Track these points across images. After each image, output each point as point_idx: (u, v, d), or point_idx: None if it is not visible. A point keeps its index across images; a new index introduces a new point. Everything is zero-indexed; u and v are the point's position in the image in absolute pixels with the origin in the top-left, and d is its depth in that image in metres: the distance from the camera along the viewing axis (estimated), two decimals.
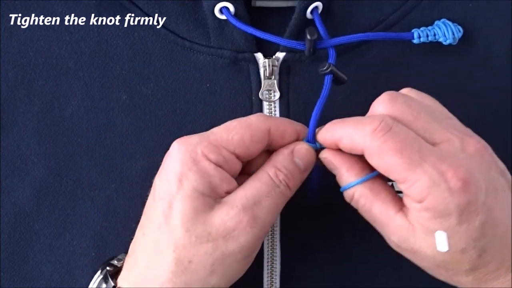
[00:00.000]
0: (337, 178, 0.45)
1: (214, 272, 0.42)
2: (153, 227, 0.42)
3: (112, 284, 0.44)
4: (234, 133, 0.43)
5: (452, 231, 0.41)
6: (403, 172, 0.40)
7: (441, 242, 0.41)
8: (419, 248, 0.42)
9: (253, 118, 0.44)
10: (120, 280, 0.44)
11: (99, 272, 0.45)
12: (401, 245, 0.43)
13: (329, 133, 0.44)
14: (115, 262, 0.46)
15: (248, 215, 0.41)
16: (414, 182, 0.40)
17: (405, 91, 0.45)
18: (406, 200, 0.42)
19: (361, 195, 0.44)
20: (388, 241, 0.45)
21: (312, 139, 0.45)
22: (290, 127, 0.45)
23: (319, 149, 0.45)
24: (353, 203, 0.45)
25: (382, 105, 0.43)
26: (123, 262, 0.45)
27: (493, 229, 0.41)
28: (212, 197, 0.42)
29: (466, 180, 0.40)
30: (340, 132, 0.43)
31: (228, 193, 0.43)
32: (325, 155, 0.45)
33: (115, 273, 0.45)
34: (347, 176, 0.44)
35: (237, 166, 0.43)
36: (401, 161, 0.40)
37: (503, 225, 0.41)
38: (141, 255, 0.43)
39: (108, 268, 0.45)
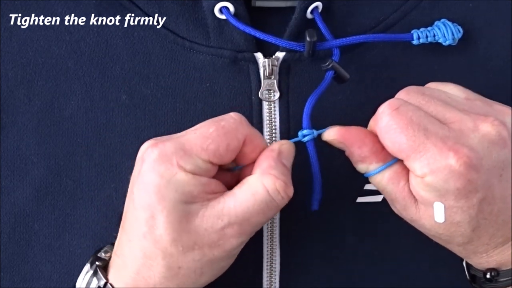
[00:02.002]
0: (350, 156, 0.45)
1: (204, 274, 0.42)
2: (138, 235, 0.42)
3: (104, 280, 0.44)
4: (210, 141, 0.42)
5: (449, 206, 0.42)
6: (407, 149, 0.41)
7: (439, 214, 0.42)
8: (418, 218, 0.43)
9: (231, 124, 0.43)
10: (112, 278, 0.44)
11: (88, 266, 0.45)
12: (402, 213, 0.45)
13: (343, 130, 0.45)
14: (102, 254, 0.46)
15: (234, 229, 0.41)
16: (416, 159, 0.41)
17: (429, 84, 0.46)
18: (410, 173, 0.43)
19: (376, 167, 0.44)
20: (392, 207, 0.45)
21: (308, 126, 0.45)
22: (261, 141, 0.44)
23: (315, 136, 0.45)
24: (369, 178, 0.45)
25: (398, 95, 0.44)
26: (111, 254, 0.45)
27: (490, 206, 0.42)
28: (197, 203, 0.42)
29: (467, 161, 0.40)
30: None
31: (214, 192, 0.42)
32: (333, 136, 0.45)
33: (104, 266, 0.45)
34: (359, 153, 0.44)
35: (213, 170, 0.43)
36: (406, 138, 0.41)
37: (500, 202, 0.42)
38: (130, 260, 0.43)
39: (97, 263, 0.45)
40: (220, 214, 0.41)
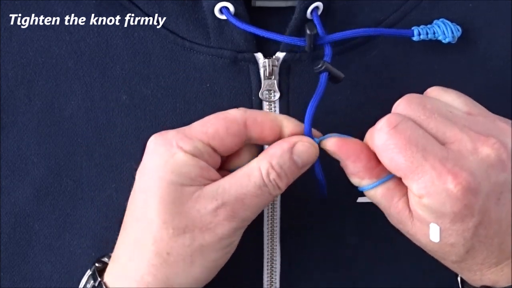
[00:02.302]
0: (344, 168, 0.45)
1: (194, 263, 0.42)
2: (133, 220, 0.43)
3: (99, 279, 0.44)
4: (209, 125, 0.43)
5: (444, 228, 0.41)
6: (405, 170, 0.41)
7: (434, 234, 0.42)
8: (414, 233, 0.43)
9: (230, 111, 0.44)
10: (105, 274, 0.44)
11: (89, 270, 0.46)
12: (397, 226, 0.45)
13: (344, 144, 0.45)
14: (105, 259, 0.46)
15: (226, 211, 0.41)
16: (414, 180, 0.41)
17: (432, 89, 0.46)
18: (408, 191, 0.43)
19: (370, 182, 0.44)
20: (388, 218, 0.45)
21: (308, 133, 0.45)
22: (269, 120, 0.44)
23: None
24: (361, 188, 0.45)
25: (399, 106, 0.43)
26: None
27: (486, 229, 0.41)
28: (194, 185, 0.42)
29: (465, 185, 0.40)
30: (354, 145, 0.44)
31: (212, 180, 0.42)
32: (330, 147, 0.45)
33: (104, 269, 0.45)
34: (352, 167, 0.44)
35: (215, 159, 0.43)
36: (404, 159, 0.41)
37: (496, 225, 0.42)
38: (122, 249, 0.43)
39: (97, 264, 0.45)
40: (215, 194, 0.41)
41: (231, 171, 0.44)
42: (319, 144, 0.45)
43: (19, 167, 0.49)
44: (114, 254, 0.44)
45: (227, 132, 0.43)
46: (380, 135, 0.42)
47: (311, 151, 0.44)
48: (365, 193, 0.45)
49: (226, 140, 0.43)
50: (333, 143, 0.44)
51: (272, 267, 0.50)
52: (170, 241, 0.41)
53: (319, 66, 0.45)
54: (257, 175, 0.42)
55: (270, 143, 0.44)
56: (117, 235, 0.48)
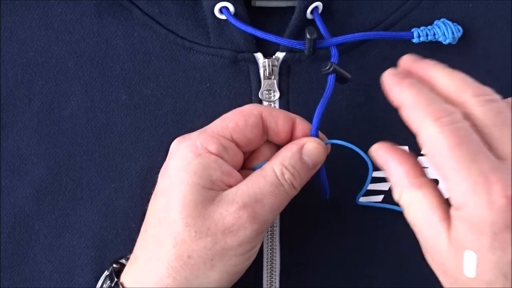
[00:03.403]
0: (389, 178, 0.42)
1: (214, 267, 0.41)
2: (154, 222, 0.42)
3: (115, 279, 0.44)
4: (228, 120, 0.43)
5: (482, 256, 0.36)
6: (450, 169, 0.37)
7: (469, 265, 0.36)
8: (447, 265, 0.38)
9: (245, 106, 0.44)
10: (122, 275, 0.44)
11: (106, 271, 0.46)
12: (433, 257, 0.40)
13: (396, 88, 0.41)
14: (123, 260, 0.46)
15: (247, 212, 0.41)
16: (457, 183, 0.37)
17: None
18: (451, 208, 0.38)
19: (409, 192, 0.40)
20: (423, 250, 0.41)
21: (315, 134, 0.45)
22: (282, 113, 0.45)
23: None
24: (400, 202, 0.41)
25: (465, 93, 0.40)
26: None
27: None
28: (214, 190, 0.42)
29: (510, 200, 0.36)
30: (405, 96, 0.40)
31: (231, 186, 0.43)
32: (376, 151, 0.42)
33: (121, 270, 0.45)
34: (401, 177, 0.40)
35: (239, 156, 0.44)
36: (451, 156, 0.37)
37: None
38: (141, 250, 0.43)
39: (114, 265, 0.45)
40: (234, 197, 0.42)
41: (252, 169, 0.45)
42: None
43: (19, 167, 0.49)
44: (133, 255, 0.44)
45: (246, 124, 0.43)
46: (435, 126, 0.37)
47: (320, 151, 0.44)
48: (404, 205, 0.40)
49: (247, 131, 0.43)
50: (378, 148, 0.42)
51: (272, 267, 0.50)
52: (192, 243, 0.41)
53: (327, 67, 0.45)
54: (273, 175, 0.43)
55: (283, 141, 0.45)
56: (117, 235, 0.48)
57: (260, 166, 0.44)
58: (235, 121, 0.43)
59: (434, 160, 0.38)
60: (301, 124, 0.45)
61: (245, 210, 0.41)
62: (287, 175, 0.43)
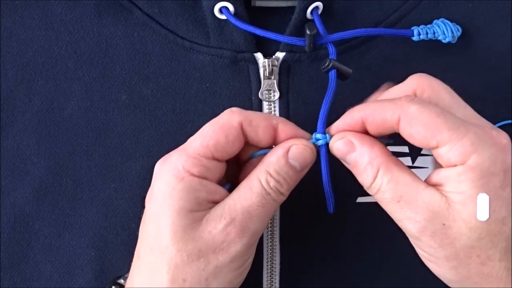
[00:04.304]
0: (358, 161, 0.43)
1: (210, 286, 0.41)
2: (146, 249, 0.42)
3: None
4: (208, 138, 0.42)
5: (495, 195, 0.39)
6: (446, 131, 0.39)
7: (483, 209, 0.38)
8: (452, 223, 0.39)
9: (224, 117, 0.43)
10: None
11: None
12: (427, 225, 0.40)
13: (348, 117, 0.43)
14: (121, 281, 0.46)
15: (236, 227, 0.41)
16: (459, 140, 0.39)
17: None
18: (440, 172, 0.40)
19: (387, 169, 0.41)
20: (408, 227, 0.41)
21: (322, 131, 0.44)
22: (264, 122, 0.43)
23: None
24: (377, 180, 0.42)
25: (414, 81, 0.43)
26: None
27: None
28: (201, 211, 0.42)
29: (509, 143, 0.40)
30: (365, 111, 0.42)
31: (218, 202, 0.42)
32: (339, 141, 0.43)
33: None
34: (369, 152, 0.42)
35: (221, 169, 0.43)
36: (443, 121, 0.39)
37: None
38: (137, 277, 0.43)
39: (113, 287, 0.46)
40: (222, 212, 0.41)
41: (251, 157, 0.45)
42: (329, 146, 0.44)
43: (19, 167, 0.49)
44: (129, 280, 0.44)
45: (227, 140, 0.42)
46: (413, 104, 0.40)
47: (307, 153, 0.43)
48: (382, 183, 0.41)
49: (228, 147, 0.43)
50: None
51: (272, 267, 0.50)
52: (185, 267, 0.41)
53: (326, 64, 0.45)
54: (258, 185, 0.42)
55: (265, 146, 0.44)
56: (117, 235, 0.48)
57: (259, 154, 0.44)
58: (215, 139, 0.42)
59: (426, 133, 0.40)
60: (284, 129, 0.44)
61: (233, 225, 0.41)
62: (272, 183, 0.42)
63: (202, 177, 0.42)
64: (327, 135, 0.44)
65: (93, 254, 0.49)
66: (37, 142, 0.49)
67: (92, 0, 0.50)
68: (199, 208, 0.41)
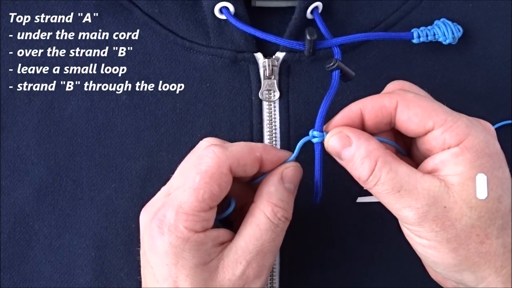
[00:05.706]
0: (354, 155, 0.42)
1: None
2: None
3: None
4: (202, 192, 0.40)
5: (491, 175, 0.40)
6: (442, 113, 0.41)
7: (481, 188, 0.40)
8: (452, 205, 0.40)
9: (210, 163, 0.41)
10: None
11: None
12: (429, 210, 0.40)
13: (347, 109, 0.43)
14: None
15: (253, 269, 0.41)
16: (454, 122, 0.41)
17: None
18: (434, 158, 0.41)
19: (385, 161, 0.41)
20: (409, 215, 0.41)
21: (320, 129, 0.44)
22: (248, 157, 0.43)
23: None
24: (376, 173, 0.42)
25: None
26: None
27: None
28: (213, 259, 0.41)
29: (495, 131, 0.42)
30: (363, 101, 0.43)
31: (224, 242, 0.42)
32: (335, 136, 0.43)
33: None
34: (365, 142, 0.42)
35: (215, 209, 0.42)
36: (438, 106, 0.42)
37: None
38: None
39: None
40: (236, 257, 0.41)
41: (252, 183, 0.44)
42: (325, 141, 0.44)
43: (19, 167, 0.49)
44: None
45: (221, 189, 0.41)
46: (407, 92, 0.43)
47: (298, 172, 0.44)
48: (382, 175, 0.41)
49: (222, 194, 0.42)
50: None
51: (272, 267, 0.49)
52: None
53: (331, 64, 0.45)
54: (266, 221, 0.42)
55: (252, 177, 0.44)
56: (117, 235, 0.48)
57: (259, 180, 0.44)
58: (209, 191, 0.41)
59: (424, 115, 0.41)
60: (268, 158, 0.43)
61: (251, 268, 0.41)
62: (280, 214, 0.42)
63: (204, 229, 0.41)
64: (324, 133, 0.44)
65: (93, 254, 0.49)
66: (37, 142, 0.49)
67: (92, 0, 0.50)
68: (210, 258, 0.41)
